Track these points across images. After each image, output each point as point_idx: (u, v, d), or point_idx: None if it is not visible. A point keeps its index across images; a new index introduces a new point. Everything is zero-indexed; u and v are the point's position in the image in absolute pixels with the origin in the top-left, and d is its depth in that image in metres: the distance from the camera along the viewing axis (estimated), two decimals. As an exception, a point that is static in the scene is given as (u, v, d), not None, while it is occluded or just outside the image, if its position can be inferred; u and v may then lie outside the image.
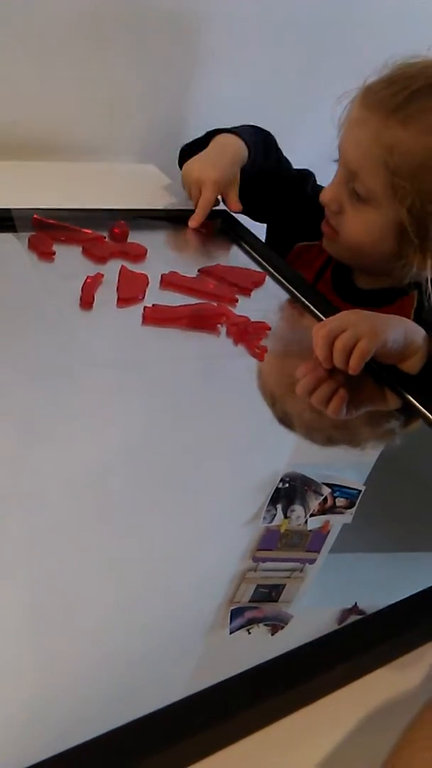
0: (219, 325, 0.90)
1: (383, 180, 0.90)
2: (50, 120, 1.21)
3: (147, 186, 1.18)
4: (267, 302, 0.99)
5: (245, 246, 1.08)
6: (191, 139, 1.14)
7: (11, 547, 0.58)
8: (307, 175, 1.16)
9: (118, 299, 0.89)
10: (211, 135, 1.12)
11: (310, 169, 1.15)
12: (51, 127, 1.22)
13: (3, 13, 1.08)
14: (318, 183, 1.15)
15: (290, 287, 1.01)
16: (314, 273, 1.11)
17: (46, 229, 0.96)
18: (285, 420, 0.81)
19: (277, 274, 1.03)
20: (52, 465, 0.66)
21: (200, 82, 1.33)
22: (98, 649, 0.54)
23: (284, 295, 1.01)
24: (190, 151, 1.13)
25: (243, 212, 1.12)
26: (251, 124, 1.13)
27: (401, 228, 0.92)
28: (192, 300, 0.93)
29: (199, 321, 0.89)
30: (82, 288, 0.88)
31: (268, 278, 1.02)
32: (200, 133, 1.11)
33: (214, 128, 1.12)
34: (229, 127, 1.11)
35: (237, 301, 0.95)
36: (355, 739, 0.53)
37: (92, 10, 1.14)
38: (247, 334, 0.90)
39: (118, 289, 0.90)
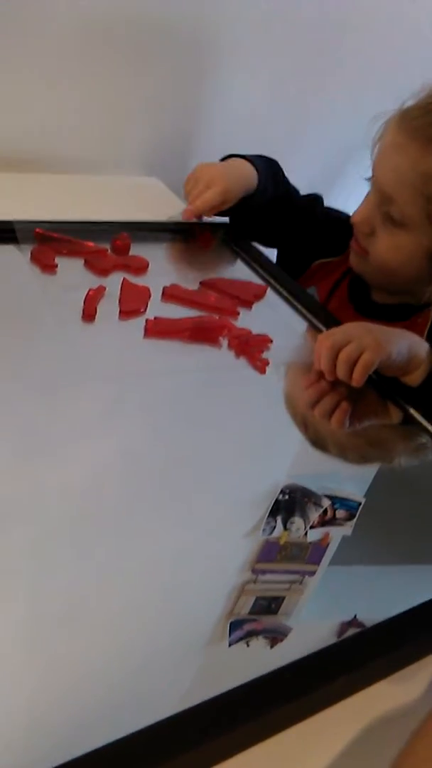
0: (221, 338, 0.91)
1: (420, 207, 0.91)
2: (54, 133, 1.23)
3: (150, 199, 1.20)
4: (269, 315, 0.99)
5: (246, 259, 1.09)
6: (195, 153, 1.15)
7: (11, 558, 0.58)
8: (315, 200, 1.17)
9: (120, 312, 0.90)
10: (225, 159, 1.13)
11: (319, 180, 1.16)
12: (54, 139, 1.23)
13: (8, 24, 1.09)
14: (326, 203, 1.17)
15: (291, 299, 1.01)
16: (330, 285, 1.12)
17: (48, 242, 0.97)
18: (317, 442, 0.82)
19: (278, 287, 1.03)
20: (52, 477, 0.67)
21: (204, 95, 1.34)
22: (97, 661, 0.54)
23: (286, 308, 1.01)
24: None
25: (253, 239, 1.14)
26: (259, 154, 1.14)
27: None
28: (194, 312, 0.93)
29: (200, 334, 0.90)
30: (85, 300, 0.88)
31: (269, 291, 1.03)
32: (203, 146, 1.13)
33: (228, 154, 1.13)
34: (238, 153, 1.12)
35: (238, 313, 0.95)
36: (355, 753, 0.53)
37: (96, 22, 1.15)
38: (249, 346, 0.90)
39: (120, 301, 0.91)
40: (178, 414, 0.80)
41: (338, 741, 0.53)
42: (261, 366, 0.88)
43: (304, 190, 1.15)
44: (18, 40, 1.11)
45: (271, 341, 0.91)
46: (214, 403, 0.84)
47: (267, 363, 0.88)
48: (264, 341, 0.91)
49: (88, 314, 0.87)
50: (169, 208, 1.12)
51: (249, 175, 1.09)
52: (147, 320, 0.89)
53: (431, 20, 1.39)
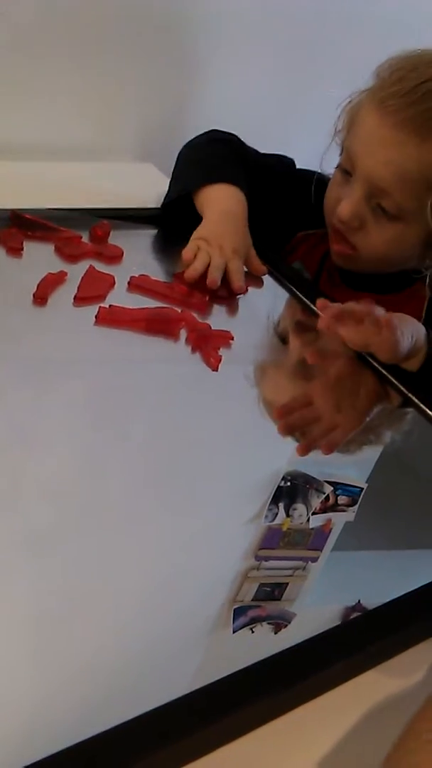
0: (180, 331, 0.91)
1: (422, 199, 0.92)
2: (47, 120, 1.23)
3: (144, 185, 1.19)
4: (245, 313, 1.01)
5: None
6: (188, 141, 1.15)
7: (12, 544, 0.59)
8: (288, 163, 1.15)
9: (76, 298, 0.90)
10: (210, 142, 1.11)
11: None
12: (48, 126, 1.23)
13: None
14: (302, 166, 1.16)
15: (291, 286, 1.03)
16: (316, 264, 1.12)
17: (20, 226, 0.96)
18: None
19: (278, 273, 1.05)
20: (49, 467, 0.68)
21: (199, 81, 1.36)
22: (101, 648, 0.55)
23: (264, 307, 1.04)
24: (191, 158, 1.11)
25: None
26: (214, 129, 1.13)
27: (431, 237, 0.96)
28: (158, 304, 0.94)
29: (156, 325, 0.91)
30: (38, 284, 0.87)
31: (250, 288, 1.03)
32: (199, 132, 1.13)
33: (211, 129, 1.12)
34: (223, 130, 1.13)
35: (205, 308, 0.96)
36: (356, 737, 0.56)
37: (89, 8, 1.16)
38: (206, 341, 0.91)
39: (78, 287, 0.91)
40: (157, 406, 0.81)
41: (339, 725, 0.56)
42: (214, 362, 0.89)
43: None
44: (10, 26, 1.11)
45: (233, 338, 0.92)
46: (189, 396, 0.86)
47: (220, 359, 0.89)
48: (224, 337, 0.92)
49: (39, 297, 0.87)
50: (162, 194, 1.12)
51: (245, 210, 1.05)
52: (100, 307, 0.88)
53: (430, 11, 1.45)
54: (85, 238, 1.00)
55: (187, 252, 0.99)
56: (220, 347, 0.91)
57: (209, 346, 0.91)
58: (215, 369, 0.89)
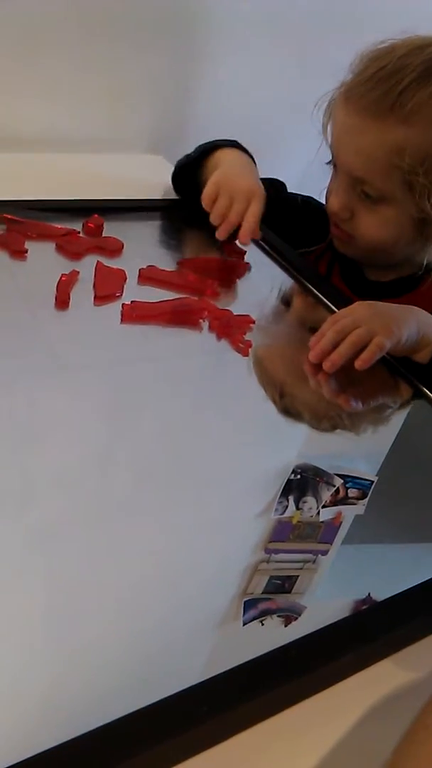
0: (201, 320, 0.94)
1: (397, 180, 0.94)
2: (56, 111, 1.27)
3: (154, 178, 1.22)
4: (252, 294, 1.03)
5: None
6: (200, 131, 1.18)
7: (28, 537, 0.63)
8: (278, 185, 1.20)
9: (95, 297, 0.92)
10: (207, 148, 1.14)
11: (309, 163, 1.14)
12: (56, 118, 1.27)
13: (8, 3, 1.12)
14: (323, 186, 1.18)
15: (290, 268, 1.06)
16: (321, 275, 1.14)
17: (17, 226, 0.98)
18: (291, 411, 0.86)
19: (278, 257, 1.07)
20: (44, 466, 0.71)
21: (208, 71, 1.39)
22: (111, 641, 0.58)
23: (268, 285, 1.06)
24: (189, 165, 1.14)
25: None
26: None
27: (423, 217, 0.97)
28: (172, 294, 0.96)
29: (180, 317, 0.93)
30: (57, 287, 0.90)
31: (252, 268, 1.06)
32: (208, 124, 1.16)
33: (209, 141, 1.15)
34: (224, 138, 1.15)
35: (219, 293, 0.99)
36: (366, 727, 0.57)
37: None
38: (230, 328, 0.93)
39: (94, 286, 0.93)
40: (170, 399, 0.83)
41: (348, 717, 0.57)
42: (243, 348, 0.91)
43: (305, 173, 1.19)
44: (21, 18, 1.15)
45: (254, 322, 0.95)
46: (206, 386, 0.88)
47: (250, 345, 0.91)
48: (246, 322, 0.95)
49: (61, 301, 0.89)
50: (169, 186, 1.17)
51: (256, 170, 1.11)
52: (123, 305, 0.91)
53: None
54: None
55: (205, 197, 1.05)
56: (246, 332, 0.93)
57: (235, 332, 0.93)
58: (246, 355, 0.91)
